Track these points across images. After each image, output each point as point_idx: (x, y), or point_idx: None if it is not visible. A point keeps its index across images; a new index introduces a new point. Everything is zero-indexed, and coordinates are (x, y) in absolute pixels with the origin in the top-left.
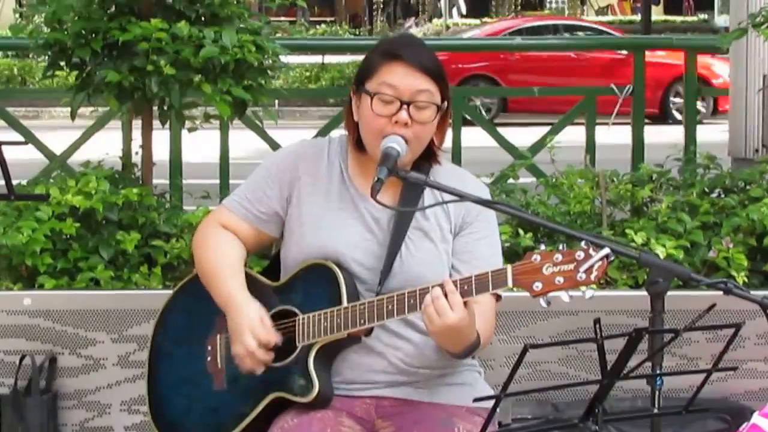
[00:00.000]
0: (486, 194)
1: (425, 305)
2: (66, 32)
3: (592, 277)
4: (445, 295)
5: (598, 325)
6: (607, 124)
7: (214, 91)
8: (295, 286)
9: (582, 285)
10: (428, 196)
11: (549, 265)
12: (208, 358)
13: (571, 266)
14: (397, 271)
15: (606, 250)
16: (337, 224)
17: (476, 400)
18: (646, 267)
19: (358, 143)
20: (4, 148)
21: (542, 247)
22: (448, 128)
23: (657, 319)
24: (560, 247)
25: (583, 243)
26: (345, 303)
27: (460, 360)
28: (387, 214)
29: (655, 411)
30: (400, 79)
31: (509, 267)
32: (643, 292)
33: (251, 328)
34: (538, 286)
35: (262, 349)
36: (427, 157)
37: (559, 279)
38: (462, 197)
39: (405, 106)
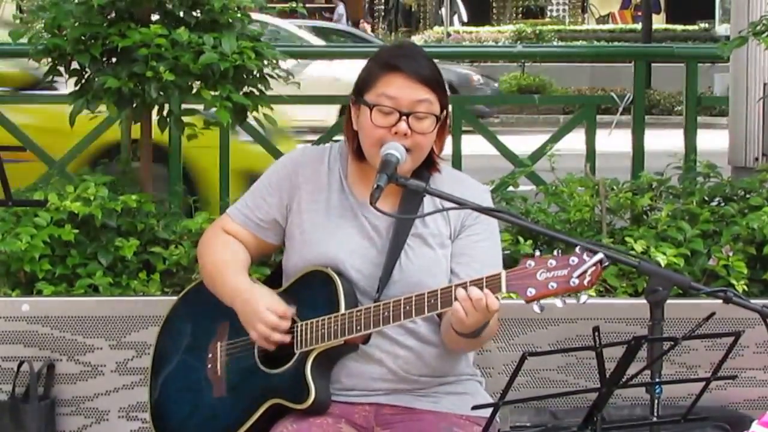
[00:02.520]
0: (487, 198)
1: (462, 299)
2: (65, 38)
3: (586, 282)
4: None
5: (597, 333)
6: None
7: (214, 97)
8: (294, 293)
9: (575, 290)
10: (427, 203)
11: (543, 270)
12: (209, 366)
13: (565, 272)
14: (396, 279)
15: (599, 256)
16: (336, 232)
17: (474, 407)
18: (646, 275)
19: (357, 152)
20: (3, 154)
21: (538, 254)
22: (447, 136)
23: (656, 327)
24: (555, 253)
25: (577, 248)
26: (342, 310)
27: (461, 364)
28: (386, 222)
29: (654, 419)
30: (399, 90)
31: (503, 272)
32: (643, 301)
33: (267, 305)
34: (531, 291)
35: (284, 321)
36: (427, 165)
37: (553, 284)
38: (461, 205)
39: (404, 117)
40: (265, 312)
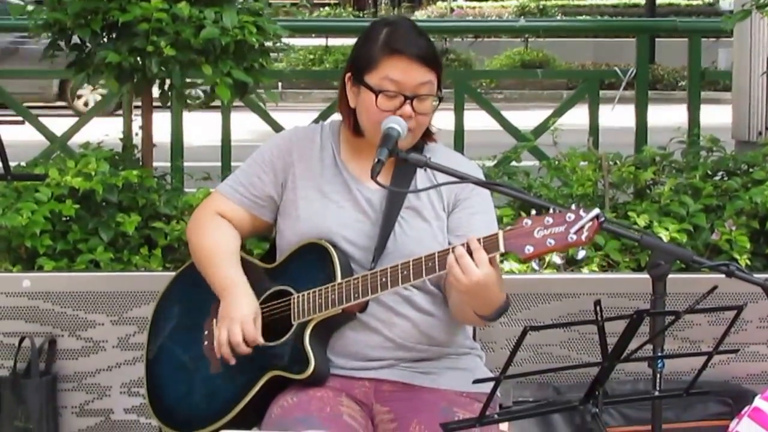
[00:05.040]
0: (479, 176)
1: (450, 265)
2: (66, 12)
3: (583, 237)
4: (470, 254)
5: (598, 307)
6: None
7: (215, 72)
8: (289, 267)
9: (573, 246)
10: (420, 175)
11: (540, 228)
12: (205, 342)
13: (562, 228)
14: (390, 251)
15: (596, 211)
16: (330, 207)
17: (476, 381)
18: (648, 249)
19: (354, 128)
20: (2, 128)
21: (534, 212)
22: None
23: (658, 301)
24: (551, 211)
25: (573, 205)
26: (339, 279)
27: (458, 336)
28: (379, 196)
29: (656, 393)
30: (403, 74)
31: (500, 232)
32: (645, 275)
33: (243, 322)
34: (529, 249)
35: (244, 344)
36: (423, 135)
37: (551, 241)
38: (462, 179)
39: (408, 101)
40: (236, 327)
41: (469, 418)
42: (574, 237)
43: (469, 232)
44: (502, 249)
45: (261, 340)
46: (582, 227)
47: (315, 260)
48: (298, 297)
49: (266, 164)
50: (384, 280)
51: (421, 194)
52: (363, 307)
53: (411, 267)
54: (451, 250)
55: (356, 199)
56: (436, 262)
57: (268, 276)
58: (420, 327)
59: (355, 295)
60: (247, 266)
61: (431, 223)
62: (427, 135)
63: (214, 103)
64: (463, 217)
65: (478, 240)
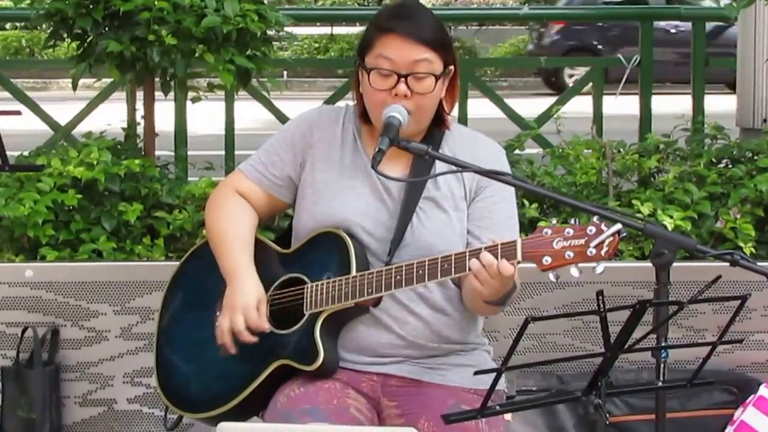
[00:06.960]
0: (501, 157)
1: (477, 271)
2: (67, 2)
3: (603, 252)
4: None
5: (600, 297)
6: (614, 93)
7: (217, 60)
8: (304, 254)
9: (592, 261)
10: (440, 165)
11: (560, 239)
12: (216, 324)
13: (582, 241)
14: (408, 242)
15: (618, 226)
16: (348, 192)
17: (477, 373)
18: (651, 238)
19: (364, 114)
20: (0, 118)
21: (553, 222)
22: (458, 92)
23: (662, 290)
24: (571, 221)
25: (595, 218)
26: (354, 272)
27: (470, 335)
28: (398, 184)
29: (660, 384)
30: (396, 51)
31: (519, 240)
32: (650, 264)
33: (245, 309)
34: (547, 260)
35: (247, 332)
36: (438, 123)
37: (569, 254)
38: (464, 168)
39: (403, 79)
40: (238, 315)
41: (471, 409)
42: (594, 251)
43: (492, 223)
44: (519, 258)
45: (266, 327)
46: (602, 242)
47: (331, 250)
48: (312, 287)
49: (287, 143)
50: (399, 278)
51: (441, 184)
52: (377, 302)
53: (426, 267)
54: (474, 256)
55: (375, 186)
56: (453, 265)
57: (283, 262)
58: (433, 326)
59: (369, 290)
60: (262, 250)
61: (450, 214)
62: (442, 123)
63: (218, 93)
64: (487, 206)
65: (496, 246)
